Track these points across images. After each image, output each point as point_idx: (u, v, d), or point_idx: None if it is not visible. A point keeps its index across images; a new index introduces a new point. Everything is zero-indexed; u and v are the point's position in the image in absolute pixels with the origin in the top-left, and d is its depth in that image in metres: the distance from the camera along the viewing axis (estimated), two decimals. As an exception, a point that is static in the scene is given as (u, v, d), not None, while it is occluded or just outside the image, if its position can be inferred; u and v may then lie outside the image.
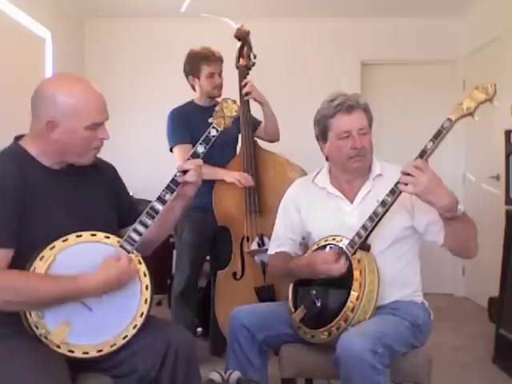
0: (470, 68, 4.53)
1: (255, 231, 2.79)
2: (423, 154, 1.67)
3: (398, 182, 1.71)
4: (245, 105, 2.86)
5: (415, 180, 1.62)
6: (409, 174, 1.63)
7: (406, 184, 1.65)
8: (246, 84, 2.85)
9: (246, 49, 2.93)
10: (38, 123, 1.56)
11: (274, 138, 3.05)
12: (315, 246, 1.95)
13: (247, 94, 2.84)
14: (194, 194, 1.70)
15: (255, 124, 2.98)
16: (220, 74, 2.97)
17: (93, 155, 1.65)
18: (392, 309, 1.87)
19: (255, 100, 2.88)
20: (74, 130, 1.55)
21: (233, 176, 2.79)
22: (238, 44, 2.93)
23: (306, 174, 2.70)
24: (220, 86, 2.96)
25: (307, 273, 1.89)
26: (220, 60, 2.96)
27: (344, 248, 1.82)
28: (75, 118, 1.54)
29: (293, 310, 1.94)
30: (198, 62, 2.94)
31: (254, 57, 2.94)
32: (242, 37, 2.91)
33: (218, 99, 2.83)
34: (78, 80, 1.62)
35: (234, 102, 1.75)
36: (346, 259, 1.79)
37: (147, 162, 4.55)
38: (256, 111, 2.96)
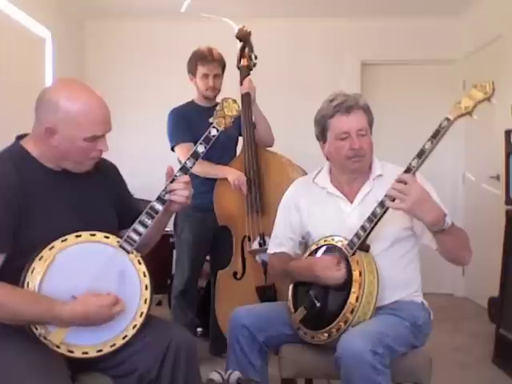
0: (469, 68, 4.53)
1: (257, 231, 2.79)
2: (421, 154, 1.68)
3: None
4: (246, 105, 2.86)
5: (403, 196, 1.64)
6: (398, 191, 1.65)
7: (394, 200, 1.66)
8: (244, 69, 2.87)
9: (247, 49, 2.93)
10: (39, 126, 1.55)
11: (268, 142, 2.99)
12: (314, 246, 1.95)
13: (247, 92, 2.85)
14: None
15: None
16: (216, 76, 2.93)
17: (90, 164, 1.63)
18: (392, 309, 1.87)
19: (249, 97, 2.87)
20: (73, 139, 1.53)
21: (233, 177, 2.79)
22: (239, 45, 2.93)
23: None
24: (213, 88, 2.93)
25: (307, 276, 1.89)
26: (218, 62, 2.93)
27: (343, 249, 1.82)
28: (75, 128, 1.52)
29: (293, 310, 1.94)
30: (195, 62, 2.94)
31: (255, 57, 2.94)
32: (244, 37, 2.91)
33: (218, 99, 2.83)
34: (83, 89, 1.58)
35: (235, 101, 1.74)
36: (345, 264, 1.79)
37: (147, 162, 4.53)
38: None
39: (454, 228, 1.73)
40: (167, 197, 1.63)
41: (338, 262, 1.80)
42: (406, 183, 1.65)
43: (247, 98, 2.87)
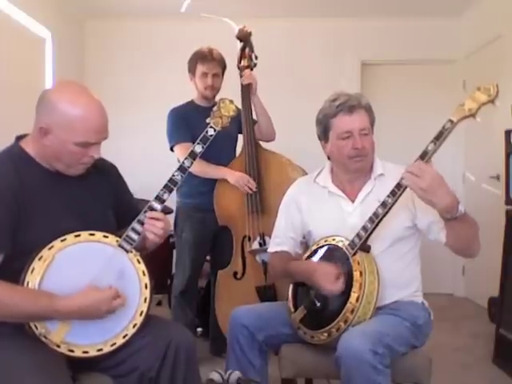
0: (470, 68, 4.53)
1: (257, 231, 2.79)
2: (424, 156, 1.66)
3: (398, 184, 1.70)
4: (246, 96, 2.86)
5: (418, 179, 1.61)
6: (412, 173, 1.62)
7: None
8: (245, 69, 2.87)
9: (247, 49, 2.93)
10: (36, 125, 1.56)
11: (269, 136, 3.01)
12: (315, 246, 1.95)
13: (248, 84, 2.86)
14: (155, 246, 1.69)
15: None
16: (215, 76, 2.93)
17: (81, 168, 1.62)
18: (392, 309, 1.87)
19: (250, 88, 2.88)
20: (64, 142, 1.53)
21: (235, 179, 2.79)
22: (240, 45, 2.93)
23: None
24: (212, 87, 2.93)
25: (306, 279, 1.89)
26: (217, 61, 2.93)
27: (344, 249, 1.82)
28: (68, 131, 1.52)
29: (293, 310, 1.94)
30: (195, 61, 2.94)
31: (256, 57, 2.94)
32: (244, 38, 2.92)
33: (216, 99, 2.83)
34: (84, 95, 1.57)
35: (232, 101, 1.75)
36: (344, 279, 1.78)
37: (147, 162, 4.54)
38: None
39: (466, 216, 1.70)
40: (177, 181, 1.64)
41: (338, 275, 1.79)
42: (421, 168, 1.62)
43: (247, 90, 2.87)
